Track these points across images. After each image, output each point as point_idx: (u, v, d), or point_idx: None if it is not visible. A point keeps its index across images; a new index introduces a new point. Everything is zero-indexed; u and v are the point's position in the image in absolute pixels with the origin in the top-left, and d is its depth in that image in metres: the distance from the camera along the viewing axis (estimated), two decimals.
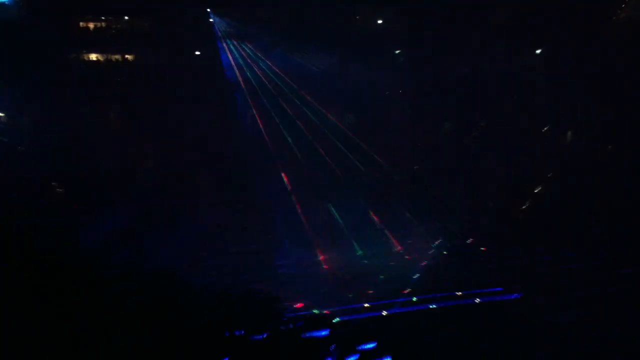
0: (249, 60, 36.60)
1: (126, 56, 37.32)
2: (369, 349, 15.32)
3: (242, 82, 35.59)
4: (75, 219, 23.46)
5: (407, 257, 24.99)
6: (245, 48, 36.78)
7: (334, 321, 18.11)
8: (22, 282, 13.81)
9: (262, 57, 36.22)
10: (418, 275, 22.93)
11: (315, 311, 19.38)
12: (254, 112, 34.72)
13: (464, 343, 18.05)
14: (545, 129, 32.63)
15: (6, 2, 33.50)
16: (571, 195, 28.30)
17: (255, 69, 36.12)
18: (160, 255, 21.49)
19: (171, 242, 23.45)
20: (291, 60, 35.46)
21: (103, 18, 38.35)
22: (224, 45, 36.62)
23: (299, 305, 19.85)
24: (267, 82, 35.74)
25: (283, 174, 30.84)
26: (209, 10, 37.27)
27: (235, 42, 36.89)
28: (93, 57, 37.18)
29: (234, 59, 36.51)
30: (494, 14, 33.33)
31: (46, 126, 30.82)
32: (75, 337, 13.83)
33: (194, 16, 36.32)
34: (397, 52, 36.41)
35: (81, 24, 37.99)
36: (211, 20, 37.48)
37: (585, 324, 18.42)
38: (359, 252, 25.17)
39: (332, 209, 28.38)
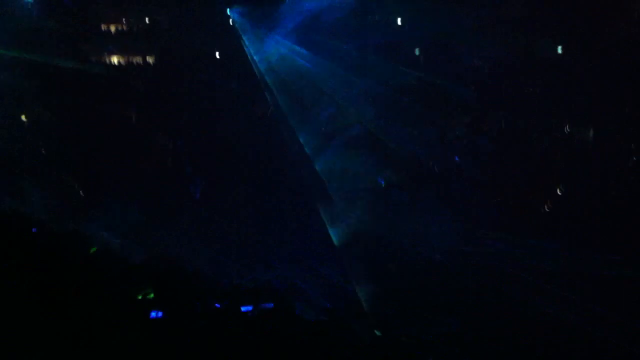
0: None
1: (146, 58, 37.80)
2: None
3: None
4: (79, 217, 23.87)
5: None
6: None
7: None
8: (23, 282, 14.12)
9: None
10: None
11: None
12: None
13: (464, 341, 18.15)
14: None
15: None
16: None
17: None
18: None
19: None
20: None
21: (124, 20, 38.86)
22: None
23: None
24: None
25: None
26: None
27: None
28: (114, 59, 37.72)
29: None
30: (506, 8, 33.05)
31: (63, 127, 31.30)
32: (76, 337, 14.03)
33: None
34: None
35: (103, 26, 38.58)
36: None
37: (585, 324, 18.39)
38: None
39: None
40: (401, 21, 36.29)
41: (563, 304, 19.82)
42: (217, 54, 36.73)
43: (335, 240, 25.57)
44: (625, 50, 29.45)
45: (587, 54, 30.63)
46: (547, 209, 27.64)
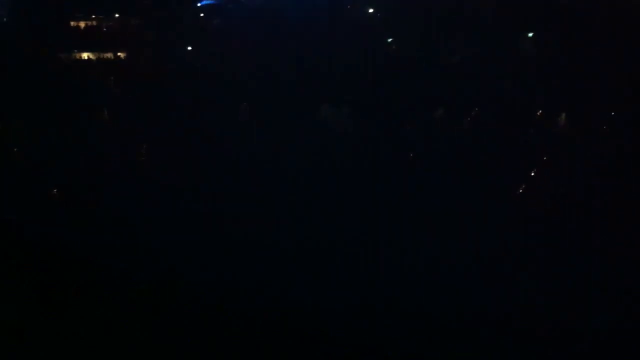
0: None
1: (118, 54, 37.30)
2: None
3: None
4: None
5: None
6: None
7: None
8: (23, 282, 13.93)
9: None
10: None
11: None
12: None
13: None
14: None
15: None
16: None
17: None
18: None
19: None
20: None
21: (94, 17, 38.34)
22: None
23: None
24: None
25: None
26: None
27: None
28: (84, 56, 37.12)
29: None
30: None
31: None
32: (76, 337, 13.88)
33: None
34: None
35: (72, 23, 37.99)
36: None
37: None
38: None
39: None
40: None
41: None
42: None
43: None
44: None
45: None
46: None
